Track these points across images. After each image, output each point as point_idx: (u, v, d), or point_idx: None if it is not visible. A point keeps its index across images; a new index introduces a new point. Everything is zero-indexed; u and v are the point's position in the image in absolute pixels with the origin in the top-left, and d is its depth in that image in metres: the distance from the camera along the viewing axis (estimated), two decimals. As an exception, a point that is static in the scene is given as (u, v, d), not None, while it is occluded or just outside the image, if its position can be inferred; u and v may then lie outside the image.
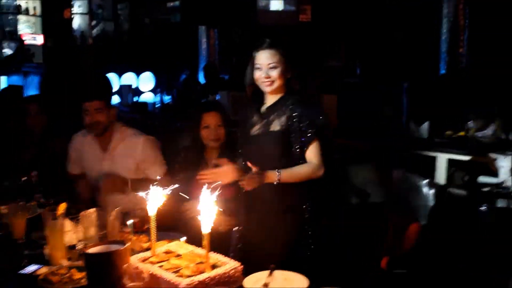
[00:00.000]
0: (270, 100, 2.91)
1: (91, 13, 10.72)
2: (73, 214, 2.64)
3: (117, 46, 10.88)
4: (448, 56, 8.40)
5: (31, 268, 2.41)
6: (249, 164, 2.72)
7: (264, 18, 10.34)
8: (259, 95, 2.94)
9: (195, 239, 2.34)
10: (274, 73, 2.81)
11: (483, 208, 4.03)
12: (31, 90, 8.27)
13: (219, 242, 2.60)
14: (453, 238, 3.37)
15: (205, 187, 2.08)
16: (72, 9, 10.15)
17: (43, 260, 2.48)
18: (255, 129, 2.91)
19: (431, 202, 3.68)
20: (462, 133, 5.74)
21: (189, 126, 3.91)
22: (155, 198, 2.30)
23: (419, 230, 3.35)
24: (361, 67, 9.61)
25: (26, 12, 9.80)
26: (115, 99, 9.35)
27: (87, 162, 3.72)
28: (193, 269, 2.11)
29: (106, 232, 2.58)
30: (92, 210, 2.45)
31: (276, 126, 2.83)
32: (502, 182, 4.92)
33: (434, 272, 3.20)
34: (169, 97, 9.85)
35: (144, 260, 2.23)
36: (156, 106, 9.50)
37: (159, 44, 10.94)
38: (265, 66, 2.81)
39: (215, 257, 2.22)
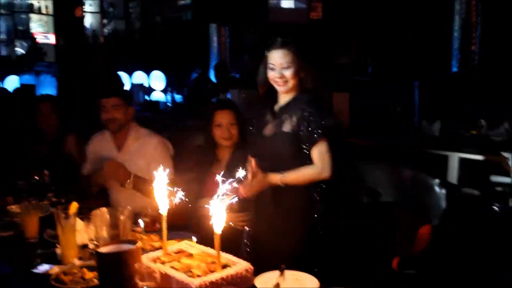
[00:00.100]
0: (283, 99, 2.91)
1: (102, 12, 10.77)
2: (85, 213, 2.64)
3: (128, 44, 10.91)
4: (460, 53, 8.35)
5: (43, 268, 2.41)
6: (252, 165, 2.70)
7: (275, 16, 10.34)
8: (272, 94, 2.93)
9: (206, 239, 2.34)
10: (288, 73, 2.81)
11: (495, 208, 4.01)
12: (43, 89, 8.32)
13: (230, 242, 2.60)
14: (466, 238, 3.35)
15: (221, 185, 2.07)
16: (83, 7, 10.20)
17: (55, 260, 2.48)
18: (268, 129, 2.90)
19: (443, 202, 3.66)
20: (474, 132, 5.70)
21: (200, 125, 3.91)
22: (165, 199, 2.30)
23: (430, 230, 3.33)
24: (373, 65, 9.57)
25: (39, 11, 9.85)
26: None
27: (102, 161, 3.70)
28: (204, 269, 2.10)
29: (118, 231, 2.59)
30: (104, 209, 2.45)
31: (287, 126, 2.82)
32: (515, 182, 4.89)
33: (446, 273, 3.19)
34: (180, 96, 9.86)
35: (155, 259, 2.22)
36: (168, 104, 9.52)
37: (170, 43, 10.95)
38: (279, 66, 2.81)
39: (226, 257, 2.21)
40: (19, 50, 9.81)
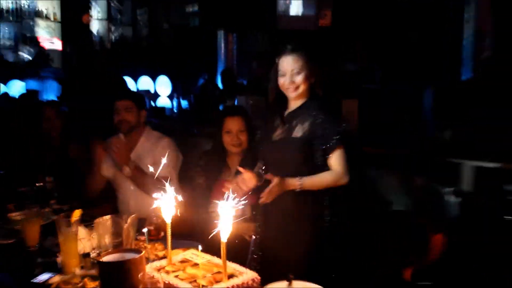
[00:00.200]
0: (293, 105, 2.90)
1: (110, 18, 10.82)
2: (87, 221, 2.61)
3: (135, 51, 10.95)
4: (471, 58, 8.31)
5: (44, 277, 2.38)
6: (268, 176, 2.68)
7: (283, 23, 10.34)
8: (282, 100, 2.91)
9: (212, 247, 2.30)
10: (299, 79, 2.81)
11: (510, 217, 3.94)
12: (48, 94, 8.34)
13: (236, 251, 2.56)
14: (480, 249, 3.29)
15: (229, 192, 2.03)
16: (91, 14, 10.24)
17: (56, 269, 2.45)
18: (277, 134, 2.89)
19: (456, 211, 3.61)
20: (486, 139, 5.64)
21: (207, 132, 3.90)
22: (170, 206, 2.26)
23: (444, 240, 3.28)
24: (381, 72, 9.55)
25: (46, 17, 9.90)
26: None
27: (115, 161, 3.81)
28: (210, 279, 2.08)
29: (121, 240, 2.55)
30: (107, 217, 2.42)
31: (298, 132, 2.81)
32: (530, 191, 4.82)
33: (460, 284, 3.13)
34: (186, 102, 9.87)
35: (160, 269, 2.20)
36: (174, 111, 9.53)
37: (177, 49, 10.98)
38: (289, 72, 2.81)
39: (233, 266, 2.19)
40: (25, 56, 9.85)
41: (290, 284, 2.10)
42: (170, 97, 10.56)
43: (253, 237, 3.07)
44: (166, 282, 2.06)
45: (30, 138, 4.63)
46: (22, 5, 9.67)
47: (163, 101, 10.51)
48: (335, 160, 2.75)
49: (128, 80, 9.78)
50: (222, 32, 11.26)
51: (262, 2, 10.35)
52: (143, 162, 3.69)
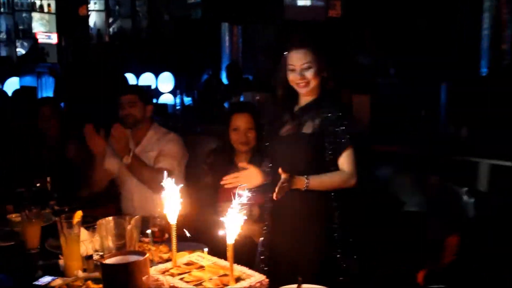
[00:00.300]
0: (303, 100, 2.92)
1: (108, 10, 10.81)
2: (89, 222, 2.65)
3: (135, 44, 10.94)
4: (490, 53, 8.30)
5: (45, 280, 2.41)
6: (280, 171, 2.70)
7: (291, 14, 10.32)
8: (291, 96, 2.94)
9: (218, 250, 2.34)
10: (309, 74, 2.81)
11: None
12: (45, 91, 8.37)
13: (244, 252, 2.60)
14: (496, 251, 3.33)
15: (236, 193, 2.07)
16: (88, 6, 10.26)
17: (58, 271, 2.49)
18: (286, 130, 2.91)
19: (471, 211, 3.64)
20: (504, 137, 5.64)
21: (211, 130, 3.95)
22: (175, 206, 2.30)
23: (458, 242, 3.31)
24: (395, 66, 9.53)
25: (41, 9, 9.92)
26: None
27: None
28: (216, 282, 2.10)
29: (124, 241, 2.59)
30: (110, 218, 2.46)
31: (308, 128, 2.82)
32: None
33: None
34: (189, 98, 9.87)
35: (164, 272, 2.23)
36: (177, 108, 9.53)
37: (179, 43, 10.96)
38: (299, 67, 2.82)
39: (240, 269, 2.21)
40: (20, 51, 9.88)
41: (299, 287, 2.14)
42: (173, 93, 10.56)
43: (261, 238, 3.10)
44: (171, 285, 2.09)
45: (27, 137, 4.67)
46: (15, -4, 9.70)
47: (165, 98, 10.51)
48: (345, 160, 2.77)
49: (130, 76, 9.80)
50: (226, 24, 11.23)
51: (268, -8, 10.35)
52: (149, 156, 3.83)
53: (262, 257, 3.01)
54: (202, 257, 2.35)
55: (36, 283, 2.40)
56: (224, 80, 9.66)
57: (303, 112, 2.89)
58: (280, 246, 2.91)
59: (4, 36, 9.81)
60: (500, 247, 3.38)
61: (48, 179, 3.60)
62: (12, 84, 8.80)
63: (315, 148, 2.80)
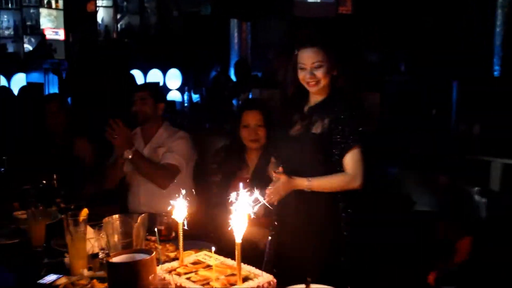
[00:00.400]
0: (314, 99, 2.91)
1: (116, 6, 10.81)
2: (95, 220, 2.65)
3: (143, 41, 10.94)
4: (502, 51, 8.25)
5: (50, 278, 2.41)
6: (276, 174, 2.70)
7: (301, 10, 10.30)
8: (301, 94, 2.93)
9: (225, 249, 2.33)
10: (319, 72, 2.82)
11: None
12: (52, 88, 8.39)
13: (252, 253, 2.59)
14: (508, 252, 3.30)
15: (241, 191, 2.05)
16: (96, 2, 10.26)
17: (63, 269, 2.50)
18: (295, 130, 2.91)
19: (483, 212, 3.61)
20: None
21: (219, 127, 3.96)
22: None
23: (470, 243, 3.29)
24: (405, 63, 9.50)
25: (49, 5, 9.94)
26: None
27: None
28: (223, 281, 2.10)
29: (131, 240, 2.58)
30: (116, 216, 2.46)
31: (318, 128, 2.82)
32: None
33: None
34: (197, 95, 9.87)
35: (171, 270, 2.23)
36: (185, 105, 9.53)
37: (187, 39, 10.96)
38: (309, 65, 2.82)
39: (247, 269, 2.20)
40: (27, 47, 9.90)
41: (308, 287, 2.13)
42: (180, 90, 10.56)
43: (269, 237, 3.10)
44: (178, 284, 2.09)
45: (33, 134, 4.68)
46: (23, -8, 9.71)
47: (173, 95, 10.52)
48: (349, 160, 2.76)
49: (137, 73, 9.81)
50: (235, 21, 11.22)
51: (277, -12, 10.33)
52: (158, 152, 3.88)
53: (269, 258, 3.00)
54: (209, 256, 2.35)
55: (41, 281, 2.40)
56: (233, 77, 9.65)
57: (313, 111, 2.89)
58: (287, 247, 2.91)
59: (12, 32, 9.83)
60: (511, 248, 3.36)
61: (55, 176, 3.60)
62: (19, 81, 8.83)
63: (323, 148, 2.80)
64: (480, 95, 6.63)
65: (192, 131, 4.27)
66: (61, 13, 10.02)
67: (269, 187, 2.77)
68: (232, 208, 1.97)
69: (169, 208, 2.31)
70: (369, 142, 2.82)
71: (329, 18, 10.08)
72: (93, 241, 2.53)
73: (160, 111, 4.02)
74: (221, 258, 2.33)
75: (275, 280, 2.15)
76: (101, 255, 2.48)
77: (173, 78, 10.79)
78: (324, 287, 2.15)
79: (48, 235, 2.76)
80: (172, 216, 2.30)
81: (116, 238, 2.42)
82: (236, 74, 9.32)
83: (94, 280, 2.31)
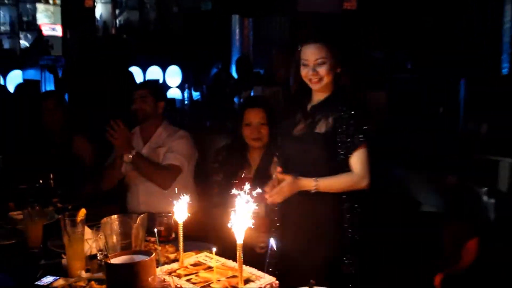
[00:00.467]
0: (317, 98, 2.91)
1: (114, 1, 10.81)
2: (93, 220, 2.65)
3: (143, 37, 10.93)
4: (511, 48, 8.24)
5: (47, 280, 2.41)
6: (280, 176, 2.70)
7: (304, 6, 10.28)
8: (304, 92, 2.93)
9: (227, 250, 2.33)
10: (322, 69, 2.81)
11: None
12: (49, 85, 8.38)
13: (253, 253, 2.58)
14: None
15: (242, 192, 2.06)
16: (94, -3, 10.27)
17: (61, 271, 2.49)
18: (298, 129, 2.91)
19: (491, 213, 3.61)
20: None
21: (221, 125, 3.96)
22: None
23: (478, 244, 3.29)
24: (412, 61, 9.49)
25: (46, 0, 9.94)
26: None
27: None
28: (224, 283, 2.10)
29: (130, 241, 2.59)
30: (115, 216, 2.46)
31: (322, 127, 2.81)
32: None
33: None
34: (198, 93, 9.87)
35: (171, 272, 2.23)
36: (185, 102, 9.54)
37: (188, 35, 10.95)
38: (312, 62, 2.81)
39: (249, 270, 2.21)
40: (24, 43, 9.90)
41: (310, 290, 2.13)
42: (180, 87, 10.57)
43: (271, 238, 3.10)
44: (178, 286, 2.09)
45: (30, 132, 4.69)
46: (19, -13, 9.71)
47: (173, 92, 10.52)
48: (356, 160, 2.77)
49: (136, 70, 9.80)
50: (236, 16, 11.21)
51: (280, -17, 10.31)
52: (158, 152, 3.89)
53: (272, 260, 3.00)
54: (210, 258, 2.36)
55: (38, 283, 2.40)
56: (234, 74, 9.65)
57: (316, 110, 2.88)
58: (290, 248, 2.90)
59: (8, 28, 9.82)
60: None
61: (51, 175, 3.61)
62: (15, 78, 8.83)
63: (328, 148, 2.79)
64: (488, 94, 6.62)
65: (192, 129, 4.28)
66: (59, 8, 10.02)
67: (268, 186, 2.77)
68: (234, 208, 1.97)
69: (169, 208, 2.31)
70: (374, 141, 2.82)
71: (333, 14, 10.06)
72: (91, 242, 2.53)
73: (160, 109, 4.04)
74: (222, 260, 2.34)
75: (277, 282, 2.16)
76: (99, 257, 2.48)
77: (173, 75, 10.79)
78: (327, 289, 2.15)
79: (45, 236, 2.76)
80: (174, 217, 2.30)
81: (114, 239, 2.43)
82: (237, 71, 9.31)
83: (92, 282, 2.31)
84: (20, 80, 8.53)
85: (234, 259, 2.16)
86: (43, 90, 7.84)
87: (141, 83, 4.37)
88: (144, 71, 10.32)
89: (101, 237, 2.47)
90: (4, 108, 5.93)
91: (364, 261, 2.86)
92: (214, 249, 2.32)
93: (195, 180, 4.03)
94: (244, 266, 2.13)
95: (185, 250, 2.35)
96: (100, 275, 2.37)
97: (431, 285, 3.16)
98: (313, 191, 2.73)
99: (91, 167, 4.32)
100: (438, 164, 4.46)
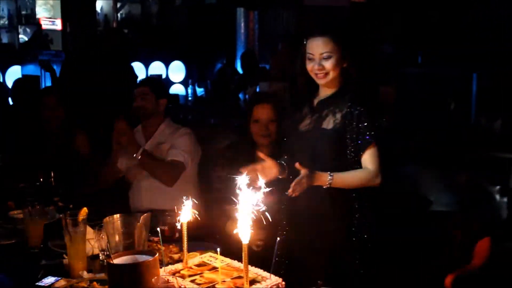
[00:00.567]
0: (324, 93, 2.91)
1: (115, -6, 10.82)
2: (95, 220, 2.66)
3: (145, 31, 10.93)
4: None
5: (48, 280, 2.43)
6: (297, 165, 2.69)
7: (311, -2, 10.26)
8: (311, 87, 2.93)
9: (232, 250, 2.34)
10: (328, 64, 2.81)
11: None
12: (49, 80, 8.39)
13: (259, 254, 2.59)
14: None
15: (247, 188, 2.07)
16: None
17: (62, 271, 2.51)
18: (305, 125, 2.91)
19: (504, 212, 3.61)
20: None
21: (226, 122, 3.96)
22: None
23: (490, 244, 3.29)
24: (423, 54, 9.46)
25: (44, -7, 9.96)
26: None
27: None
28: (229, 284, 2.11)
29: (133, 240, 2.60)
30: (117, 216, 2.47)
31: (329, 123, 2.82)
32: None
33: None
34: (202, 89, 9.87)
35: (175, 273, 2.24)
36: (189, 99, 9.54)
37: (191, 29, 10.94)
38: (318, 56, 2.81)
39: (255, 271, 2.21)
40: (23, 37, 9.91)
41: (318, 291, 2.14)
42: (184, 83, 10.56)
43: (278, 238, 3.10)
44: (182, 287, 2.10)
45: (29, 129, 4.69)
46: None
47: (176, 88, 10.52)
48: (369, 158, 2.77)
49: (139, 67, 9.79)
50: (241, 10, 11.20)
51: (286, -25, 10.29)
52: (161, 148, 3.91)
53: (278, 260, 3.01)
54: (215, 258, 2.36)
55: (39, 284, 2.41)
56: (239, 70, 9.64)
57: (323, 105, 2.89)
58: (297, 249, 2.92)
59: (6, 22, 9.83)
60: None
61: (52, 174, 3.62)
62: (14, 73, 8.83)
63: (336, 145, 2.79)
64: (501, 89, 6.60)
65: (196, 126, 4.29)
66: (58, 2, 10.02)
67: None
68: (238, 207, 1.98)
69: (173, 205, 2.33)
70: (384, 138, 2.82)
71: (341, 7, 10.04)
72: (93, 241, 2.54)
73: (162, 107, 4.05)
74: (227, 260, 2.34)
75: (283, 283, 2.16)
76: (101, 257, 2.49)
77: (176, 71, 10.79)
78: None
79: (45, 236, 2.78)
80: (177, 218, 2.31)
81: (117, 238, 2.43)
82: (242, 66, 9.30)
83: (94, 283, 2.32)
84: (19, 76, 8.53)
85: (234, 258, 2.16)
86: (43, 86, 7.83)
87: (141, 80, 4.42)
88: (147, 66, 10.31)
89: (103, 236, 2.48)
90: (3, 105, 5.94)
91: (373, 261, 2.86)
92: (218, 250, 2.33)
93: (198, 177, 4.05)
94: (249, 266, 2.13)
95: (189, 250, 2.35)
96: (102, 275, 2.38)
97: (442, 286, 3.16)
98: (327, 186, 2.72)
99: (92, 166, 4.33)
100: (449, 162, 4.46)
